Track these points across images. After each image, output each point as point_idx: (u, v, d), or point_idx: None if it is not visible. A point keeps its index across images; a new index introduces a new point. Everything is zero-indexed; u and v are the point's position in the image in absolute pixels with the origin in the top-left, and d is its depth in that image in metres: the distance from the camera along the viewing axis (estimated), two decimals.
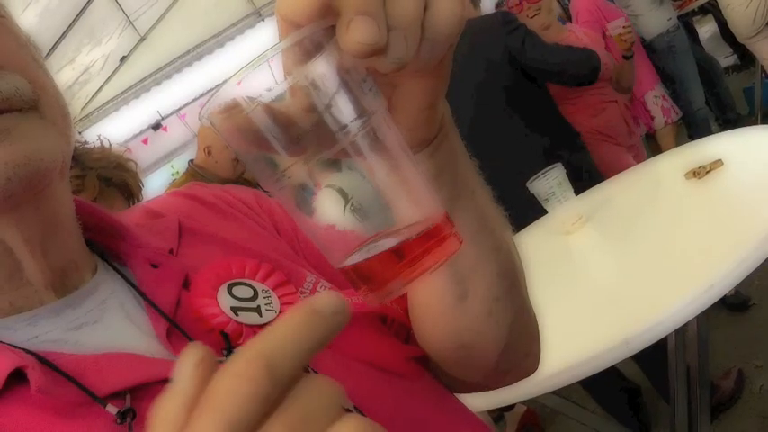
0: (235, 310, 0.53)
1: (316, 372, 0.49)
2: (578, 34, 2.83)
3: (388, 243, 0.37)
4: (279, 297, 0.56)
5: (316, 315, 0.28)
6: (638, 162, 2.57)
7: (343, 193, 0.38)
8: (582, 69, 2.41)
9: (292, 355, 0.27)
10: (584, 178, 2.27)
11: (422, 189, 0.39)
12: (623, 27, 2.75)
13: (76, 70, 6.12)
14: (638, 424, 2.42)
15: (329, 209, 0.38)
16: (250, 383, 0.25)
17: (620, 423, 2.30)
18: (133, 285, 0.54)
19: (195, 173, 2.57)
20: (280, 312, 0.55)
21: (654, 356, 1.65)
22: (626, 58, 2.78)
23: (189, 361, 0.27)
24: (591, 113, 2.77)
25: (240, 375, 0.25)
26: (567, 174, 1.89)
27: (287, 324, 0.27)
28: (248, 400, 0.25)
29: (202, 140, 2.62)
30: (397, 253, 0.37)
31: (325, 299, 0.28)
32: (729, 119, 4.48)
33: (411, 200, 0.39)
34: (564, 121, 2.51)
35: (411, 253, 0.37)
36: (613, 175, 2.31)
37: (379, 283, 0.38)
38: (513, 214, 2.12)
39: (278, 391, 0.26)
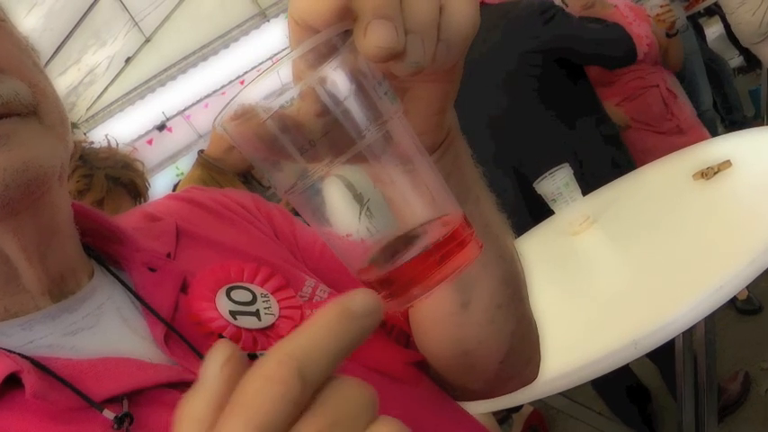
0: (233, 314, 0.52)
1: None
2: (624, 11, 2.74)
3: (411, 247, 0.36)
4: (278, 301, 0.55)
5: (349, 315, 0.27)
6: (695, 141, 2.33)
7: (360, 198, 0.37)
8: (616, 51, 2.33)
9: (323, 359, 0.26)
10: (621, 171, 2.21)
11: (442, 193, 0.39)
12: (660, 7, 2.71)
13: (82, 71, 6.16)
14: (644, 426, 2.40)
15: (345, 213, 0.37)
16: (280, 386, 0.25)
17: (626, 425, 2.29)
18: (130, 289, 0.53)
19: (209, 164, 2.51)
20: (279, 317, 0.54)
21: (669, 356, 1.64)
22: (669, 36, 2.74)
23: (216, 359, 0.27)
24: (624, 97, 2.69)
25: (270, 378, 0.25)
26: (605, 165, 1.84)
27: (319, 324, 0.27)
28: (278, 403, 0.25)
29: None
30: (421, 258, 0.36)
31: (360, 298, 0.27)
32: (735, 120, 4.45)
33: (431, 204, 0.38)
34: (603, 111, 2.42)
35: (434, 258, 0.36)
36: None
37: (401, 289, 0.37)
38: (537, 207, 2.03)
39: (308, 394, 0.25)
